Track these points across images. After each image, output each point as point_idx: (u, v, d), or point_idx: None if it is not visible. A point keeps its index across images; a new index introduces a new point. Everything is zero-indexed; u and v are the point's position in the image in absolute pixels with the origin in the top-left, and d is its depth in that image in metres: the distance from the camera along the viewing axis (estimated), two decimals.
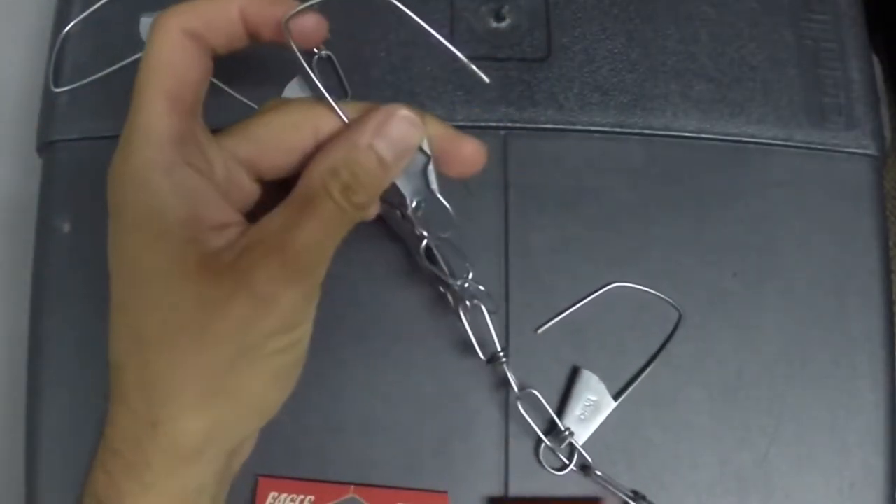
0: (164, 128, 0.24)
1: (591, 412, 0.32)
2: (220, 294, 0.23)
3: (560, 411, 0.32)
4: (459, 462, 0.32)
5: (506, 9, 0.37)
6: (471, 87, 0.36)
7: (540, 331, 0.33)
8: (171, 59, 0.24)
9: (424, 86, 0.35)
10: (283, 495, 0.31)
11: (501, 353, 0.31)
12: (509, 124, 0.35)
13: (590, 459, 0.32)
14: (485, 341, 0.31)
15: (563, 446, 0.32)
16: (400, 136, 0.25)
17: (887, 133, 0.38)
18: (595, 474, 0.32)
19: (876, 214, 0.35)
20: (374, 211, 0.29)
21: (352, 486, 0.31)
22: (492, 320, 0.31)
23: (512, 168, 0.35)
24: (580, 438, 0.32)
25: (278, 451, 0.32)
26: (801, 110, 0.36)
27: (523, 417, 0.32)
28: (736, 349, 0.34)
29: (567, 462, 0.32)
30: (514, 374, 0.31)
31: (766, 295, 0.34)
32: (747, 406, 0.33)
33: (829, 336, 0.34)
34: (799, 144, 0.36)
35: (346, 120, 0.25)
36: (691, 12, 0.37)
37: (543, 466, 0.32)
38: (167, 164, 0.23)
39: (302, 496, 0.31)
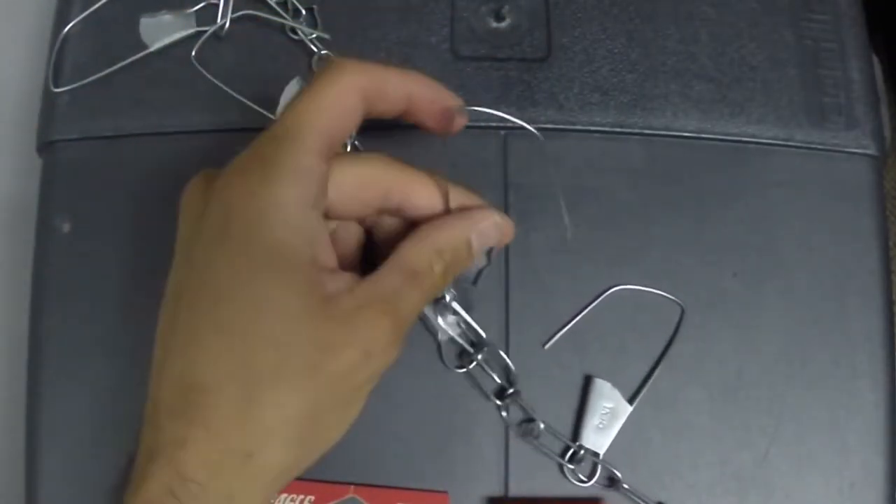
0: (317, 167, 0.25)
1: (608, 420, 0.32)
2: (337, 340, 0.24)
3: (577, 424, 0.32)
4: (459, 462, 0.32)
5: (506, 9, 0.37)
6: (471, 88, 0.36)
7: (547, 346, 0.33)
8: (339, 105, 0.25)
9: None
10: (283, 495, 0.31)
11: (510, 392, 0.32)
12: (509, 124, 0.35)
13: (619, 474, 0.32)
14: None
15: (582, 464, 0.32)
16: (488, 238, 0.28)
17: (887, 133, 0.38)
18: (623, 488, 0.32)
19: (876, 214, 0.35)
20: None
21: (352, 486, 0.31)
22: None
23: (512, 168, 0.35)
24: (601, 448, 0.32)
25: None
26: (801, 110, 0.36)
27: (521, 417, 0.32)
28: (736, 349, 0.34)
29: (586, 480, 0.32)
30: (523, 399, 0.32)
31: (766, 295, 0.34)
32: (747, 406, 0.33)
33: (829, 336, 0.34)
34: (799, 144, 0.36)
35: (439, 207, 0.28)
36: (691, 12, 0.37)
37: (570, 481, 0.32)
38: (312, 204, 0.24)
39: (302, 496, 0.31)
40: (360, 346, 0.24)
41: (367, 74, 0.26)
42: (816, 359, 0.34)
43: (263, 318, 0.23)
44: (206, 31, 0.35)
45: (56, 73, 0.36)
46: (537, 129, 0.35)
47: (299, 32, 0.35)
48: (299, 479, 0.31)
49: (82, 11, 0.36)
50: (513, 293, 0.34)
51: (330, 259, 0.25)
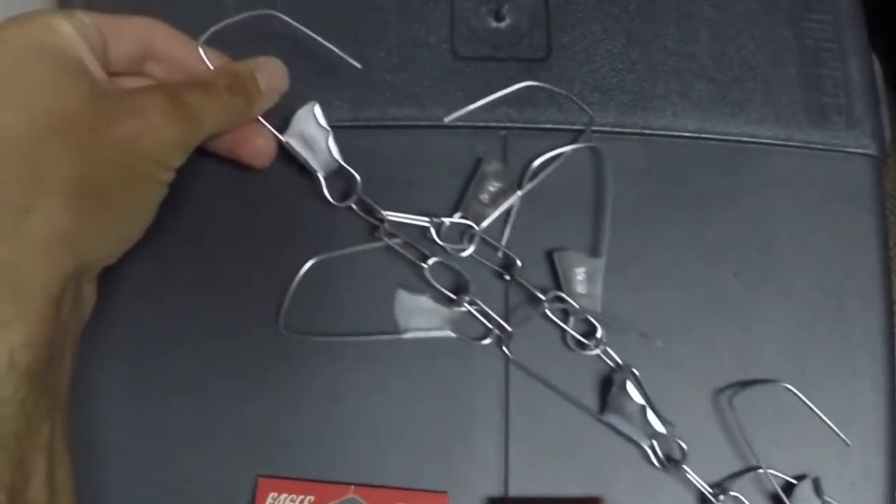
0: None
1: (589, 282, 0.32)
2: (110, 108, 0.26)
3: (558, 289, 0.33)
4: (459, 462, 0.32)
5: (506, 9, 0.37)
6: (471, 88, 0.36)
7: (447, 120, 0.33)
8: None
9: (424, 86, 0.35)
10: (283, 495, 0.31)
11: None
12: (509, 124, 0.35)
13: (685, 446, 0.32)
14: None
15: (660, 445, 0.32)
16: (274, 78, 0.31)
17: (887, 133, 0.38)
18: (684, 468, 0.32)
19: (876, 214, 0.35)
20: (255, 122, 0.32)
21: (352, 486, 0.31)
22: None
23: (512, 168, 0.35)
24: (595, 307, 0.33)
25: (278, 451, 0.32)
26: (801, 110, 0.36)
27: (521, 423, 0.32)
28: (736, 349, 0.34)
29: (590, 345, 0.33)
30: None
31: (766, 295, 0.34)
32: (747, 406, 0.33)
33: (829, 336, 0.34)
34: (799, 144, 0.36)
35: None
36: (691, 12, 0.37)
37: (571, 347, 0.33)
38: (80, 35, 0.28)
39: (302, 496, 0.31)
40: (138, 111, 0.26)
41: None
42: (816, 359, 0.34)
43: (41, 94, 0.25)
44: None
45: None
46: (537, 129, 0.35)
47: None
48: (299, 479, 0.31)
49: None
50: (513, 294, 0.34)
51: (99, 72, 0.28)
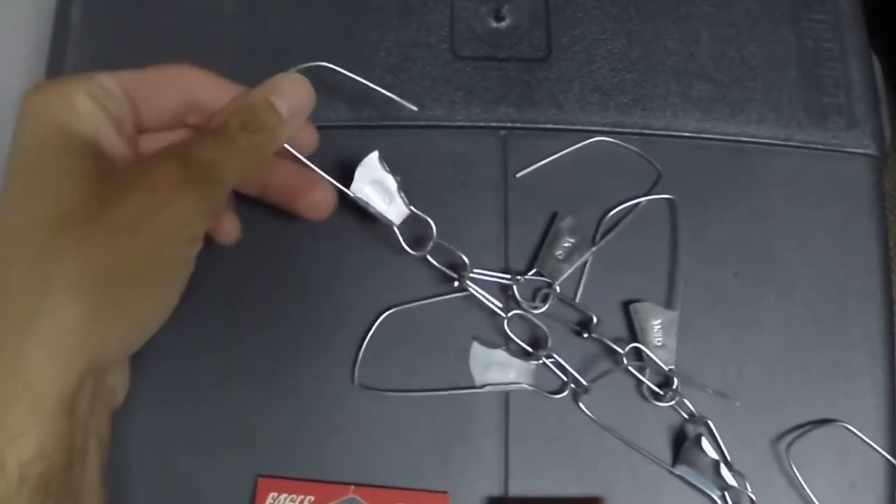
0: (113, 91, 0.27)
1: (664, 333, 0.32)
2: (116, 190, 0.24)
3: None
4: (459, 462, 0.32)
5: (506, 9, 0.37)
6: (471, 88, 0.36)
7: (519, 175, 0.34)
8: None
9: (424, 86, 0.35)
10: (283, 495, 0.31)
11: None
12: (509, 124, 0.35)
13: (754, 498, 0.31)
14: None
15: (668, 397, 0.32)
16: (293, 96, 0.28)
17: (887, 133, 0.38)
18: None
19: (876, 214, 0.35)
20: (269, 163, 0.30)
21: (352, 486, 0.31)
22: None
23: (512, 168, 0.35)
24: (670, 359, 0.32)
25: (278, 451, 0.32)
26: (801, 110, 0.36)
27: (521, 423, 0.32)
28: (736, 349, 0.34)
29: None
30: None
31: (766, 295, 0.34)
32: (747, 406, 0.33)
33: (829, 336, 0.34)
34: (799, 144, 0.36)
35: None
36: (691, 12, 0.37)
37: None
38: (99, 108, 0.26)
39: (302, 496, 0.31)
40: (143, 190, 0.24)
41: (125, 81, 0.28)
42: (816, 359, 0.34)
43: (52, 186, 0.24)
44: None
45: (56, 73, 0.36)
46: (537, 129, 0.35)
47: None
48: (299, 479, 0.31)
49: (82, 11, 0.36)
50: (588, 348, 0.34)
51: (116, 143, 0.26)
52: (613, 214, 0.34)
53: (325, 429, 0.32)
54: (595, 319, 0.33)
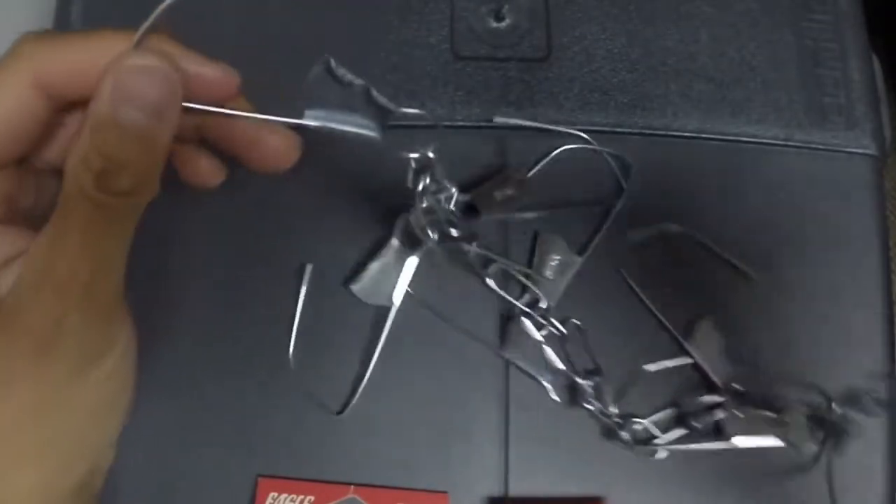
0: None
1: (558, 272, 0.33)
2: (2, 349, 0.20)
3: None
4: (459, 462, 0.32)
5: (506, 9, 0.37)
6: (471, 88, 0.36)
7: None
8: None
9: (424, 86, 0.35)
10: (283, 495, 0.31)
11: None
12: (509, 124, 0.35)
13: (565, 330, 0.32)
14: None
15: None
16: (143, 91, 0.20)
17: (887, 133, 0.38)
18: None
19: (876, 214, 0.35)
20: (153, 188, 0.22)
21: (352, 486, 0.31)
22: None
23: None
24: (552, 299, 0.33)
25: (278, 451, 0.32)
26: (801, 110, 0.36)
27: (521, 423, 0.32)
28: (736, 349, 0.34)
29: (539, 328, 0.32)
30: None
31: (765, 295, 0.34)
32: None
33: (829, 336, 0.34)
34: (799, 144, 0.36)
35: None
36: (691, 12, 0.37)
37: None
38: None
39: (302, 496, 0.31)
40: (27, 342, 0.20)
41: (48, 52, 0.21)
42: (816, 359, 0.34)
43: None
44: None
45: None
46: (537, 128, 0.35)
47: None
48: (299, 479, 0.31)
49: (82, 12, 0.36)
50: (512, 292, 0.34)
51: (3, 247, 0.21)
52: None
53: (325, 429, 0.32)
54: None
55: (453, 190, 0.28)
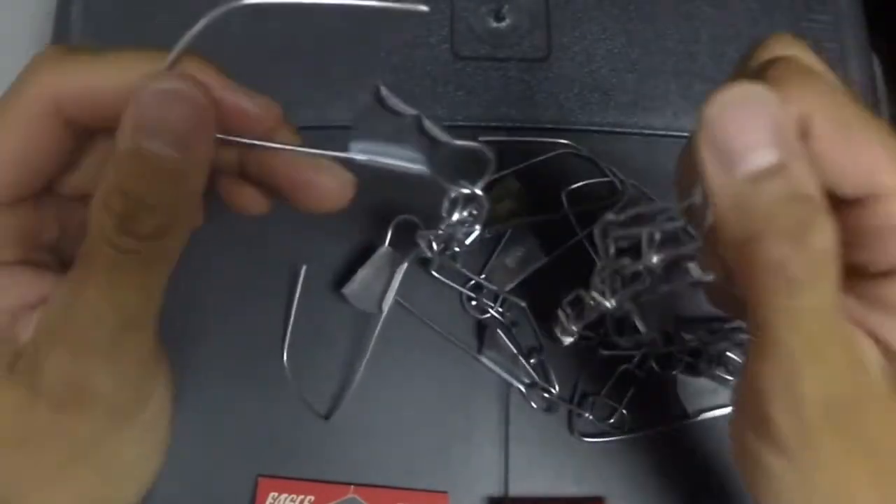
0: None
1: (519, 263, 0.33)
2: (24, 403, 0.19)
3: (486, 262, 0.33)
4: (459, 462, 0.32)
5: (506, 9, 0.37)
6: (471, 88, 0.36)
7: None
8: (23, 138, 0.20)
9: (424, 86, 0.35)
10: (283, 495, 0.31)
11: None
12: (509, 124, 0.35)
13: (523, 303, 0.32)
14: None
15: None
16: (166, 119, 0.17)
17: None
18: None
19: None
20: (195, 221, 0.21)
21: (352, 486, 0.31)
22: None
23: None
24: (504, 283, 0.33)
25: (278, 451, 0.32)
26: None
27: (521, 423, 0.32)
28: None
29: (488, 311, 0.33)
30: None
31: None
32: None
33: None
34: None
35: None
36: (691, 12, 0.37)
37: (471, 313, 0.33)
38: None
39: (302, 496, 0.31)
40: (47, 405, 0.18)
41: (66, 76, 0.19)
42: None
43: None
44: None
45: None
46: (537, 129, 0.35)
47: None
48: (299, 479, 0.31)
49: (82, 12, 0.36)
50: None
51: (28, 294, 0.19)
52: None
53: (326, 429, 0.32)
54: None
55: (476, 228, 0.26)
